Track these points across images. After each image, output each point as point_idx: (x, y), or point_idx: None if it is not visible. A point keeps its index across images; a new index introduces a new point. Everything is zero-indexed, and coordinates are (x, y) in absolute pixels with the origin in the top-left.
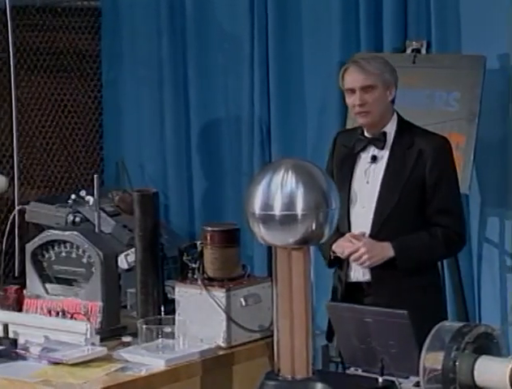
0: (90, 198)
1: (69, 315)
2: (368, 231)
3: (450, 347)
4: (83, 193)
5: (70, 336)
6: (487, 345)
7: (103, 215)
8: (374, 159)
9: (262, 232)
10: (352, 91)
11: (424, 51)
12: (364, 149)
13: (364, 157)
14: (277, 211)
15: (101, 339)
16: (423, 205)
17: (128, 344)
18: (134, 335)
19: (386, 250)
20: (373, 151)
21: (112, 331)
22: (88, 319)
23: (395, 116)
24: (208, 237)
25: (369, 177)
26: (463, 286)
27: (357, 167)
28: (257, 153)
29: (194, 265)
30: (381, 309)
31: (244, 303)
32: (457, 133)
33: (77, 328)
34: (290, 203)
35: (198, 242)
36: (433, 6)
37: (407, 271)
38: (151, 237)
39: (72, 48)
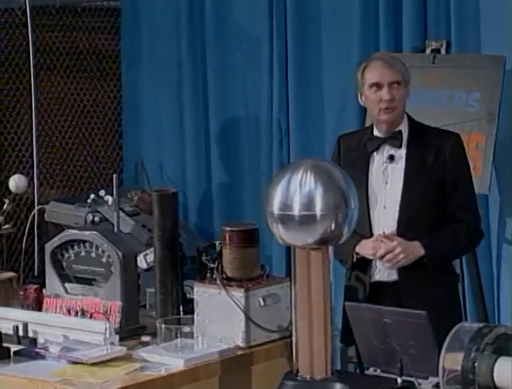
0: (109, 198)
1: (88, 315)
2: (394, 231)
3: (470, 348)
4: (102, 193)
5: (89, 336)
6: (507, 346)
7: (122, 214)
8: (392, 158)
9: (280, 233)
10: (378, 86)
11: (443, 51)
12: (377, 149)
13: (379, 157)
14: (296, 211)
15: (120, 339)
16: (444, 201)
17: (147, 344)
18: (153, 334)
19: (418, 249)
20: (388, 150)
21: (131, 330)
22: (107, 319)
23: (406, 116)
24: (227, 237)
25: (387, 176)
26: (482, 287)
27: (372, 167)
28: (275, 153)
29: (212, 265)
30: (399, 310)
31: (262, 303)
32: (476, 133)
33: (96, 328)
34: (309, 203)
35: (217, 242)
36: (453, 5)
37: (435, 268)
38: (169, 237)
39: (91, 48)
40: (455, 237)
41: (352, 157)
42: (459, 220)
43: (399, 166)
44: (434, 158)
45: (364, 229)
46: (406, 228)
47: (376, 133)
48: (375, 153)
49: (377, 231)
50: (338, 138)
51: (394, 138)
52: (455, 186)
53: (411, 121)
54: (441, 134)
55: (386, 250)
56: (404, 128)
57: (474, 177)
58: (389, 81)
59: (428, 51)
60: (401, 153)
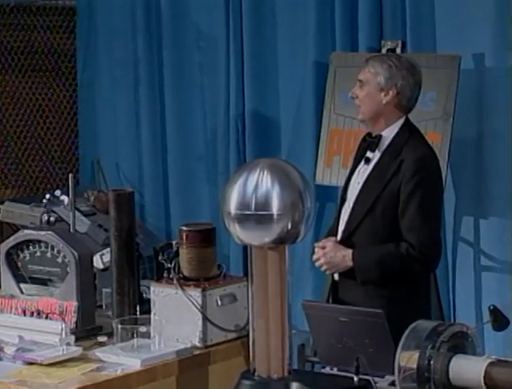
0: (65, 198)
1: (44, 315)
2: (342, 227)
3: (425, 346)
4: (58, 192)
5: (45, 336)
6: (462, 344)
7: (78, 214)
8: (367, 160)
9: (238, 232)
10: None
11: (399, 51)
12: (366, 151)
13: (364, 157)
14: (253, 210)
15: (76, 339)
16: (396, 219)
17: (103, 344)
18: (110, 334)
19: (346, 260)
20: (368, 152)
21: (87, 330)
22: (63, 319)
23: (401, 121)
24: (184, 237)
25: (360, 177)
26: (438, 285)
27: (358, 167)
28: (233, 152)
29: (169, 265)
30: (356, 308)
31: (220, 303)
32: (432, 132)
33: (52, 328)
34: (266, 203)
35: (174, 242)
36: (408, 6)
37: (365, 282)
38: (126, 237)
39: (47, 47)
40: (394, 257)
41: (357, 155)
42: (406, 241)
43: (367, 170)
44: (395, 171)
45: (336, 225)
46: (352, 231)
47: (368, 129)
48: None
49: (340, 228)
50: (364, 136)
51: (372, 142)
52: (407, 205)
53: (403, 128)
54: (414, 147)
55: (315, 258)
56: (390, 133)
57: None
58: (358, 78)
59: (384, 51)
60: (374, 157)
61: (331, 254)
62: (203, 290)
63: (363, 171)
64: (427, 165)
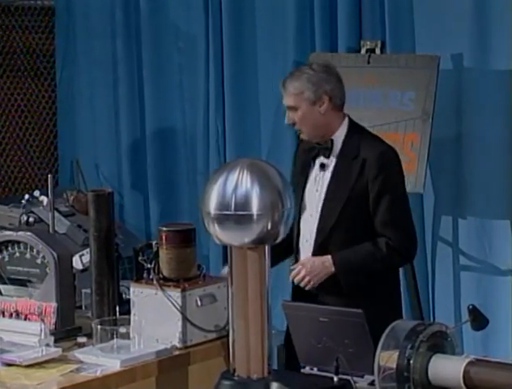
0: (44, 199)
1: (23, 316)
2: (312, 242)
3: (405, 345)
4: (36, 193)
5: (23, 337)
6: (441, 344)
7: (57, 215)
8: (323, 167)
9: (217, 232)
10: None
11: (378, 51)
12: (317, 156)
13: (317, 164)
14: (232, 210)
15: (56, 340)
16: (369, 217)
17: (83, 345)
18: (89, 335)
19: (328, 266)
20: (322, 159)
21: (66, 331)
22: (42, 320)
23: (346, 121)
24: (164, 237)
25: (318, 184)
26: (417, 285)
27: (311, 174)
28: (212, 153)
29: (149, 265)
30: (336, 309)
31: (199, 303)
32: (412, 132)
33: (31, 329)
34: (245, 203)
35: (154, 242)
36: (387, 6)
37: (350, 285)
38: (105, 238)
39: (25, 47)
40: (374, 255)
41: (304, 161)
42: (384, 236)
43: (327, 175)
44: (359, 171)
45: (295, 235)
46: (326, 238)
47: (316, 141)
48: (316, 160)
49: (302, 238)
50: (299, 141)
51: (325, 148)
52: (379, 201)
53: (351, 127)
54: (373, 144)
55: (294, 273)
56: (339, 136)
57: (408, 176)
58: (287, 106)
59: (363, 51)
60: (330, 162)
61: (310, 263)
62: (183, 290)
63: (320, 178)
64: (391, 159)
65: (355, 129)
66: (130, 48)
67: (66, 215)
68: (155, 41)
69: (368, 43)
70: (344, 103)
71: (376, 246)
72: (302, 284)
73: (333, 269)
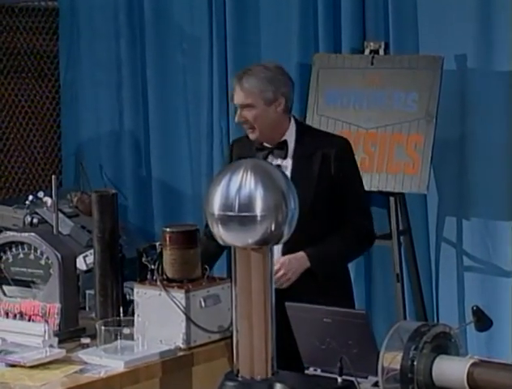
0: (48, 200)
1: (26, 317)
2: (280, 245)
3: (409, 346)
4: (40, 194)
5: (27, 338)
6: (445, 344)
7: (61, 216)
8: (279, 168)
9: (221, 233)
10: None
11: (382, 52)
12: (266, 159)
13: None
14: (236, 211)
15: (60, 341)
16: (335, 207)
17: (87, 346)
18: (93, 336)
19: (303, 262)
20: (275, 161)
21: (70, 332)
22: (46, 321)
23: (293, 122)
24: (167, 238)
25: None
26: (421, 285)
27: None
28: (216, 153)
29: (152, 266)
30: (339, 310)
31: (203, 304)
32: (415, 133)
33: (35, 330)
34: (249, 204)
35: (158, 243)
36: (391, 7)
37: (325, 276)
38: (109, 239)
39: (29, 49)
40: (344, 243)
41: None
42: (349, 222)
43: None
44: (320, 166)
45: None
46: (296, 238)
47: (265, 143)
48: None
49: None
50: (231, 143)
51: (279, 149)
52: (345, 191)
53: (298, 127)
54: (327, 139)
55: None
56: (290, 136)
57: (412, 176)
58: (240, 103)
59: (366, 52)
60: (287, 163)
61: (287, 261)
62: (187, 291)
63: None
64: (349, 149)
65: (303, 128)
66: (134, 49)
67: (69, 216)
68: (159, 43)
69: (371, 44)
70: (292, 107)
71: (347, 234)
72: (281, 282)
73: (308, 264)
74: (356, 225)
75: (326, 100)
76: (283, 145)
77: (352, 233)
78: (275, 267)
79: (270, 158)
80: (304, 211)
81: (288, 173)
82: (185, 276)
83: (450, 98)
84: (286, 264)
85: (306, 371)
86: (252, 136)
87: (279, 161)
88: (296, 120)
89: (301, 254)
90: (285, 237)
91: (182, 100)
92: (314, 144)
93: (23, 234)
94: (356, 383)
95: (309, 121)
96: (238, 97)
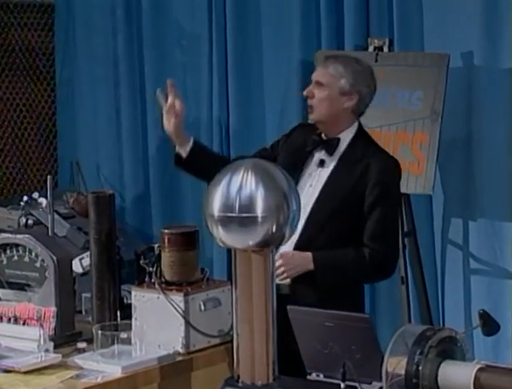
0: (43, 201)
1: (21, 321)
2: (296, 236)
3: (414, 351)
4: (36, 195)
5: (22, 343)
6: (451, 349)
7: (57, 217)
8: (322, 163)
9: (221, 235)
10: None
11: (386, 49)
12: (315, 150)
13: (315, 159)
14: (236, 212)
15: (55, 346)
16: (359, 222)
17: (83, 351)
18: (90, 341)
19: (306, 262)
20: (323, 154)
21: (66, 337)
22: (42, 325)
23: (356, 126)
24: (166, 240)
25: (313, 180)
26: (427, 289)
27: (306, 167)
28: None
29: (151, 269)
30: (342, 313)
31: (203, 307)
32: (420, 132)
33: (30, 334)
34: (250, 205)
35: (156, 245)
36: (396, 2)
37: (325, 286)
38: (106, 240)
39: (25, 45)
40: (356, 261)
41: (295, 148)
42: (368, 247)
43: (325, 173)
44: (360, 174)
45: None
46: (310, 237)
47: (322, 134)
48: (314, 153)
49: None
50: (297, 125)
51: (329, 144)
52: (372, 211)
53: (358, 133)
54: (378, 154)
55: None
56: (346, 137)
57: (417, 177)
58: (315, 80)
59: (370, 49)
60: (332, 160)
61: (289, 255)
62: (186, 295)
63: (317, 174)
64: (394, 170)
65: (362, 134)
66: (131, 45)
67: (65, 218)
68: (157, 39)
69: (375, 41)
70: (363, 114)
71: (359, 254)
72: (276, 275)
73: (311, 266)
74: (374, 252)
75: None
76: (336, 142)
77: (367, 255)
78: (276, 257)
79: (319, 150)
80: (327, 210)
81: (328, 170)
82: (184, 279)
83: (455, 96)
84: (288, 257)
85: (308, 376)
86: (310, 116)
87: (324, 156)
88: (360, 126)
89: (308, 254)
90: (287, 239)
91: (181, 98)
92: (364, 154)
93: (17, 236)
94: None
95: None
96: (317, 74)
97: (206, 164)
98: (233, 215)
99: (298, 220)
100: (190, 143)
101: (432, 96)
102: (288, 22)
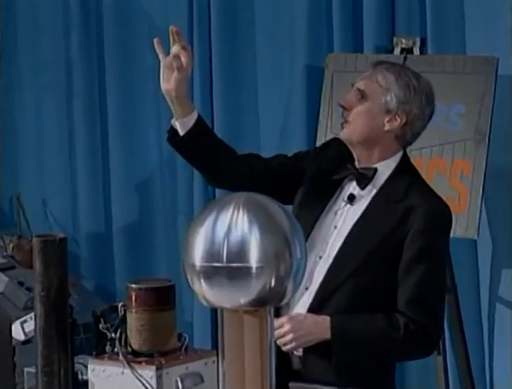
0: None
1: None
2: (312, 293)
3: None
4: None
5: None
6: None
7: None
8: (352, 199)
9: (204, 291)
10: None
11: (416, 51)
12: (346, 180)
13: (344, 192)
14: (224, 262)
15: None
16: (393, 281)
17: None
18: None
19: (321, 331)
20: (351, 187)
21: None
22: None
23: (400, 155)
24: (133, 298)
25: (339, 220)
26: (469, 353)
27: (332, 201)
28: (197, 184)
29: (113, 335)
30: None
31: (180, 385)
32: (461, 158)
33: None
34: (241, 252)
35: (120, 304)
36: None
37: (342, 363)
38: (56, 299)
39: None
40: (386, 333)
41: (326, 171)
42: (403, 314)
43: (354, 211)
44: (401, 219)
45: None
46: (332, 290)
47: (356, 162)
48: (344, 184)
49: (311, 287)
50: (333, 138)
51: (362, 175)
52: (410, 268)
53: (402, 164)
54: (425, 195)
55: (275, 326)
56: (386, 169)
57: (457, 216)
58: (357, 86)
59: (396, 51)
60: (362, 197)
61: (300, 319)
62: (158, 368)
63: (343, 212)
64: (444, 219)
65: (407, 167)
66: (88, 48)
67: (3, 269)
68: (121, 38)
69: (403, 41)
70: (412, 143)
71: (391, 324)
72: (281, 342)
73: (328, 335)
74: (411, 322)
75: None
76: (371, 173)
77: (399, 328)
78: (280, 320)
79: (349, 181)
80: (355, 259)
81: (359, 210)
82: (157, 348)
83: (506, 112)
84: (298, 321)
85: None
86: (342, 132)
87: (353, 189)
88: (405, 157)
89: (325, 318)
90: (289, 296)
91: (153, 111)
92: (406, 193)
93: None
94: None
95: (320, 141)
96: (361, 81)
97: (209, 152)
98: (220, 265)
99: (304, 271)
100: (193, 119)
101: (476, 112)
102: (290, 17)
